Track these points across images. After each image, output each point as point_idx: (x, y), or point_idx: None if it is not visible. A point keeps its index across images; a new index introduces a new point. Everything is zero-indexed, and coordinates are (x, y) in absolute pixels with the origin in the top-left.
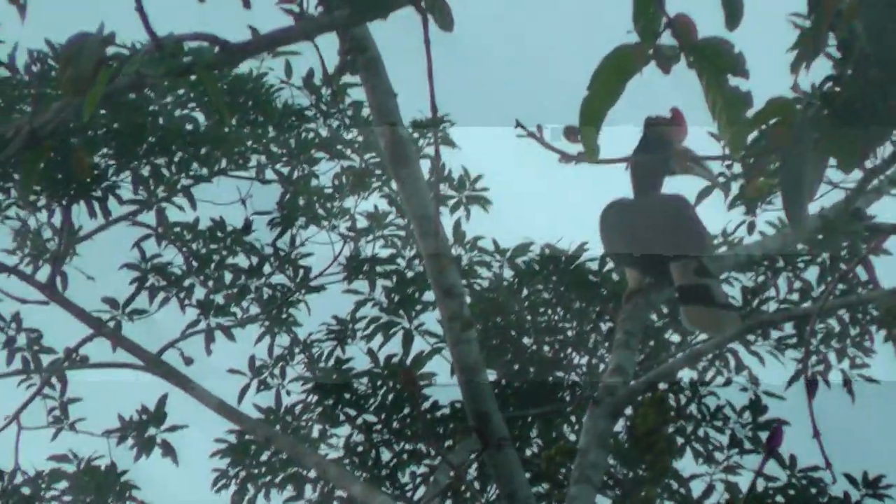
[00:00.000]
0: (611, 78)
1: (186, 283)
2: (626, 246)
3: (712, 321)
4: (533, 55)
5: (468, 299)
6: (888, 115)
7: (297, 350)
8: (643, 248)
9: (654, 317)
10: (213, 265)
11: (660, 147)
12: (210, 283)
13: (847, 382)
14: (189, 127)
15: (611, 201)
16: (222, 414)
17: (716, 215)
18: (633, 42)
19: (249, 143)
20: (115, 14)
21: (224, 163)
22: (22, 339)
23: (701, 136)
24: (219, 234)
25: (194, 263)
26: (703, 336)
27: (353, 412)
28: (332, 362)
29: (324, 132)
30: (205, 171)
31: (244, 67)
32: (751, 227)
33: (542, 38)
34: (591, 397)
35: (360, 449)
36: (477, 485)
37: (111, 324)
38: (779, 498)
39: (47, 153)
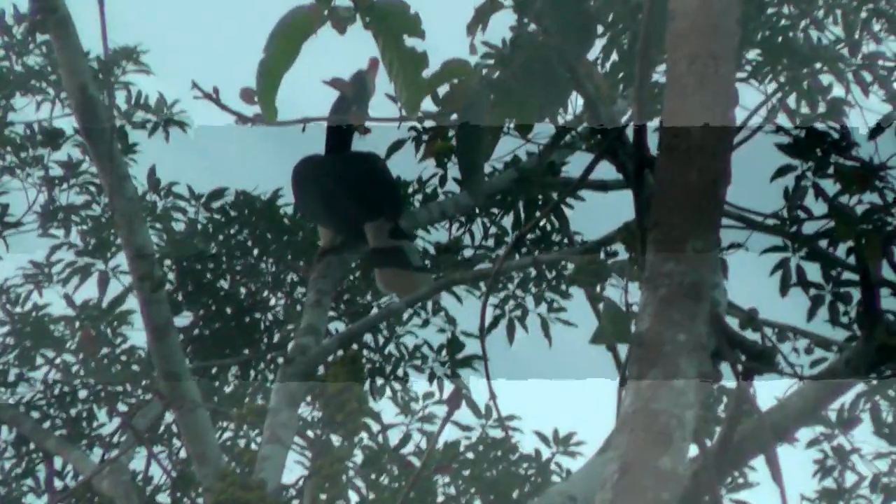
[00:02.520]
0: (287, 40)
1: None
2: (319, 204)
3: (407, 284)
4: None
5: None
6: (564, 76)
7: None
8: (336, 207)
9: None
10: None
11: (343, 105)
12: None
13: (545, 326)
14: None
15: (303, 157)
16: None
17: (408, 168)
18: (310, 3)
19: None
20: None
21: None
22: None
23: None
24: None
25: None
26: None
27: (50, 353)
28: (28, 307)
29: (19, 69)
30: None
31: None
32: (442, 181)
33: None
34: (282, 357)
35: (57, 389)
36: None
37: None
38: (469, 454)
39: None
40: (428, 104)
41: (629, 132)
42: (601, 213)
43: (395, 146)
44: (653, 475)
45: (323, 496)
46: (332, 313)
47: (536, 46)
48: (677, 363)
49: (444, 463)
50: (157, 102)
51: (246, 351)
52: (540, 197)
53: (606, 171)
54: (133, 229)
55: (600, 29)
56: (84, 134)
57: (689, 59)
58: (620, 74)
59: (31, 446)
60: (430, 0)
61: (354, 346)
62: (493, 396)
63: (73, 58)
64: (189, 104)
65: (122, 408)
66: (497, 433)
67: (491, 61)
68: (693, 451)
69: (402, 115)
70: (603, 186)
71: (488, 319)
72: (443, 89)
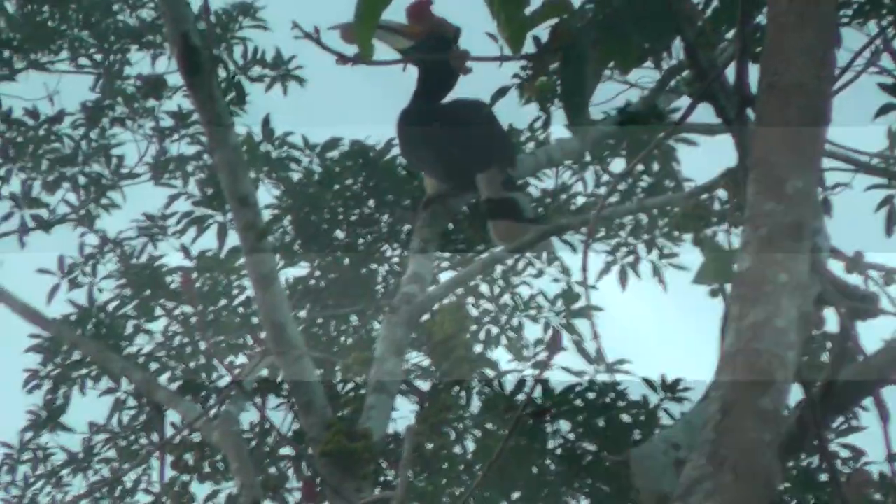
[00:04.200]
0: None
1: (2, 171)
2: (428, 153)
3: (522, 235)
4: None
5: (279, 192)
6: (664, 16)
7: (107, 249)
8: (447, 157)
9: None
10: (28, 154)
11: (439, 48)
12: (27, 171)
13: (657, 272)
14: None
15: (407, 107)
16: (27, 318)
17: (511, 112)
18: None
19: (58, 36)
20: None
21: (32, 59)
22: None
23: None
24: (31, 122)
25: (10, 152)
26: None
27: (169, 304)
28: (144, 259)
29: (132, 23)
30: (7, 71)
31: None
32: (546, 123)
33: None
34: (387, 305)
35: (177, 340)
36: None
37: None
38: (578, 402)
39: None
40: (528, 46)
41: (730, 75)
42: (714, 157)
43: (500, 93)
44: (754, 415)
45: (429, 445)
46: (442, 262)
47: None
48: (778, 303)
49: (545, 408)
50: (274, 57)
51: (362, 301)
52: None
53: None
54: (237, 177)
55: None
56: (187, 83)
57: None
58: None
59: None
60: None
61: (461, 293)
62: (596, 336)
63: (175, 5)
64: (303, 53)
65: (241, 359)
66: (607, 378)
67: (591, 2)
68: (797, 394)
69: (504, 55)
70: (710, 130)
71: (601, 266)
72: (543, 29)
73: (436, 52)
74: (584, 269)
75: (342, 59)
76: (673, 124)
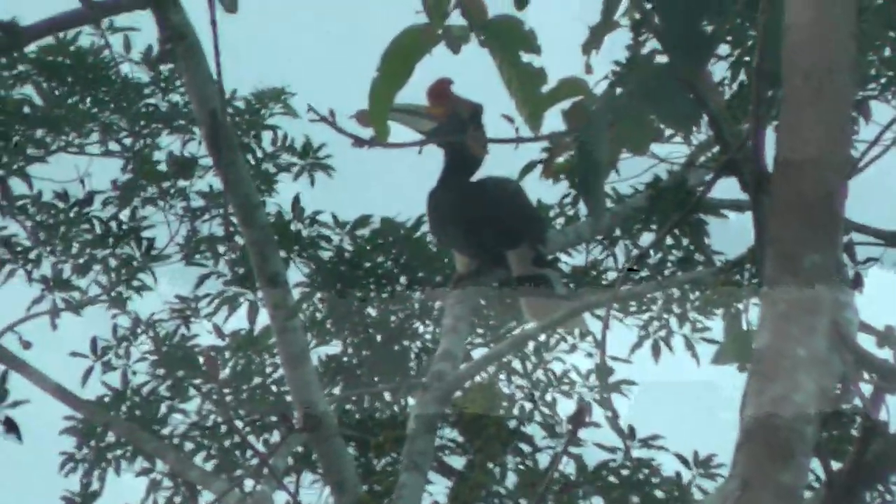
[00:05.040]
0: (400, 60)
1: (33, 255)
2: (458, 230)
3: (552, 312)
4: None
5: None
6: (682, 96)
7: (139, 330)
8: (476, 234)
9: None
10: (58, 236)
11: (461, 128)
12: (57, 254)
13: (690, 346)
14: (26, 110)
15: (436, 185)
16: (60, 399)
17: (541, 187)
18: (422, 23)
19: (89, 119)
20: None
21: (63, 141)
22: None
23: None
24: (61, 205)
25: (41, 235)
26: None
27: (201, 384)
28: (176, 339)
29: (164, 107)
30: (42, 152)
31: (85, 41)
32: (575, 200)
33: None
34: (419, 383)
35: (210, 420)
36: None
37: None
38: (611, 478)
39: None
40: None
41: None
42: (746, 232)
43: (528, 168)
44: (773, 490)
45: None
46: (477, 339)
47: (653, 65)
48: (797, 378)
49: (578, 482)
50: (303, 145)
51: (395, 378)
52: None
53: None
54: (266, 257)
55: (726, 49)
56: (215, 161)
57: (805, 74)
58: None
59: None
60: (543, 17)
61: (492, 371)
62: (615, 414)
63: (203, 84)
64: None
65: (275, 437)
66: (640, 455)
67: (608, 80)
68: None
69: (520, 136)
70: (738, 205)
71: (634, 340)
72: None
73: (458, 132)
74: (603, 342)
75: (358, 141)
76: (709, 202)
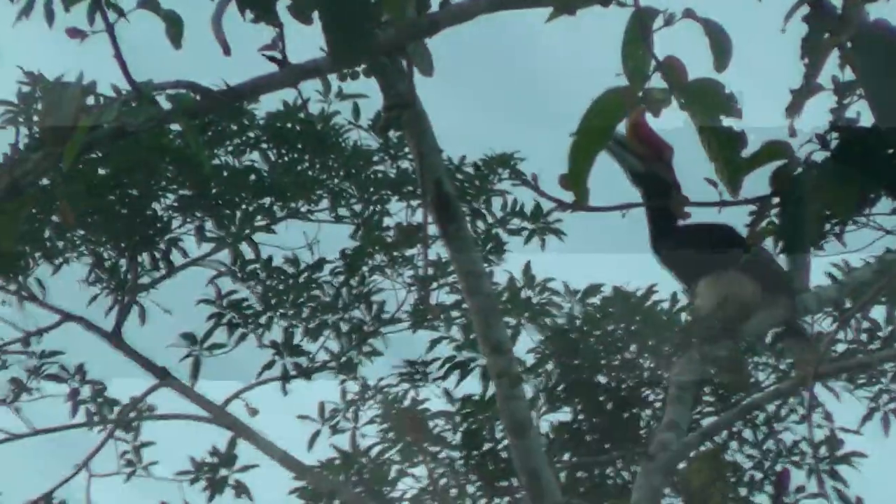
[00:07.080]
0: (599, 121)
1: (263, 319)
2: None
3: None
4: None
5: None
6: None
7: (367, 395)
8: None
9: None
10: (288, 301)
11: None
12: (287, 318)
13: None
14: (252, 177)
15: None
16: (286, 466)
17: None
18: (622, 85)
19: (318, 185)
20: (93, 59)
21: (291, 208)
22: (86, 391)
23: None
24: (291, 270)
25: (271, 299)
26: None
27: (433, 448)
28: (406, 403)
29: (392, 173)
30: (267, 220)
31: (314, 108)
32: None
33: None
34: (644, 453)
35: (442, 483)
36: None
37: (189, 358)
38: None
39: (30, 205)
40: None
41: None
42: None
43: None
44: None
45: None
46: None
47: (858, 128)
48: None
49: None
50: (533, 210)
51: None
52: None
53: None
54: (489, 324)
55: None
56: (441, 230)
57: None
58: None
59: None
60: (743, 81)
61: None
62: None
63: (429, 152)
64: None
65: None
66: None
67: (810, 144)
68: None
69: (723, 199)
70: None
71: (863, 412)
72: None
73: (660, 186)
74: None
75: (561, 206)
76: None
